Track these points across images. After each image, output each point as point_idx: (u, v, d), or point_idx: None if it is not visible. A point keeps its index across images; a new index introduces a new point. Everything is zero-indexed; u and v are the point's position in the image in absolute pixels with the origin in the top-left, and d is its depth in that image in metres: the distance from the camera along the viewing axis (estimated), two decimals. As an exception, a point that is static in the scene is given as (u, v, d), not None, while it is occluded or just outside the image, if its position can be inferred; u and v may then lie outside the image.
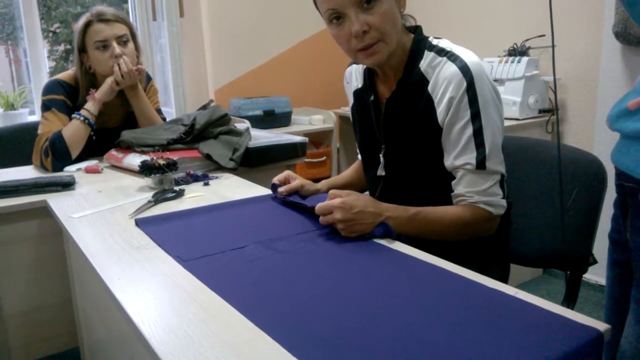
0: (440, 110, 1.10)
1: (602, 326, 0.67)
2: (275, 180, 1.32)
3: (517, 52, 2.53)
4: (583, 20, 2.39)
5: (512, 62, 2.43)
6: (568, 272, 1.24)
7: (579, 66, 2.45)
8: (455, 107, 1.08)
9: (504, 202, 1.11)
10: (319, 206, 1.05)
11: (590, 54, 2.39)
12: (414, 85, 1.14)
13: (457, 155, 1.10)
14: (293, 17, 3.24)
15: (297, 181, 1.29)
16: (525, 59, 2.40)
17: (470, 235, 1.12)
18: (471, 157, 1.08)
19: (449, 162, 1.12)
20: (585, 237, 1.23)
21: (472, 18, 2.91)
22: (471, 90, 1.06)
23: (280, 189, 1.28)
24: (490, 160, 1.08)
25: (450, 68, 1.09)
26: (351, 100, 1.35)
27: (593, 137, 2.41)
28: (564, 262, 1.22)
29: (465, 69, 1.07)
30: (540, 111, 2.49)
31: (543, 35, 2.52)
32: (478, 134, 1.07)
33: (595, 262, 1.24)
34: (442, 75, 1.09)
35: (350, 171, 1.48)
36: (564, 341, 0.64)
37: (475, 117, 1.07)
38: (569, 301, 1.22)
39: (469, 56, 1.10)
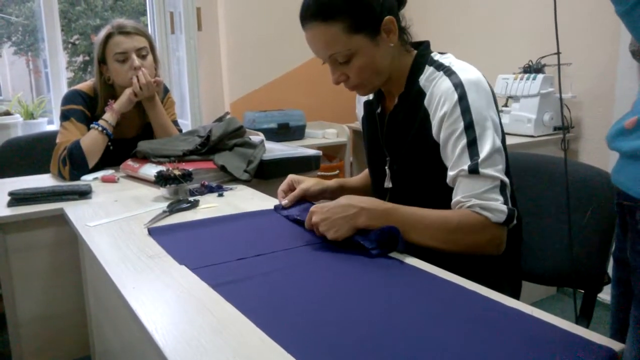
0: (434, 124, 1.11)
1: (616, 346, 0.67)
2: (280, 190, 1.35)
3: (532, 69, 2.53)
4: (599, 38, 2.38)
5: (527, 79, 2.43)
6: (582, 291, 1.22)
7: (594, 84, 2.44)
8: (448, 121, 1.08)
9: (503, 208, 1.03)
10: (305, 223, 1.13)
11: (606, 72, 2.38)
12: (413, 99, 1.16)
13: (453, 166, 1.08)
14: (309, 32, 3.27)
15: (300, 188, 1.31)
16: (540, 76, 2.39)
17: (465, 245, 1.04)
18: (465, 165, 1.06)
19: (448, 177, 1.10)
20: (600, 255, 1.22)
21: (487, 35, 2.91)
22: (463, 102, 1.06)
23: (284, 201, 1.30)
24: (485, 165, 1.04)
25: (445, 83, 1.10)
26: (362, 111, 1.36)
27: (608, 156, 2.39)
28: (582, 279, 1.21)
29: (458, 84, 1.08)
30: (555, 128, 2.48)
31: (559, 53, 2.51)
32: (472, 145, 1.05)
33: (610, 281, 1.22)
34: (437, 90, 1.11)
35: (362, 176, 1.48)
36: (578, 360, 0.64)
37: (469, 128, 1.06)
38: (584, 320, 1.20)
39: (465, 72, 1.10)
